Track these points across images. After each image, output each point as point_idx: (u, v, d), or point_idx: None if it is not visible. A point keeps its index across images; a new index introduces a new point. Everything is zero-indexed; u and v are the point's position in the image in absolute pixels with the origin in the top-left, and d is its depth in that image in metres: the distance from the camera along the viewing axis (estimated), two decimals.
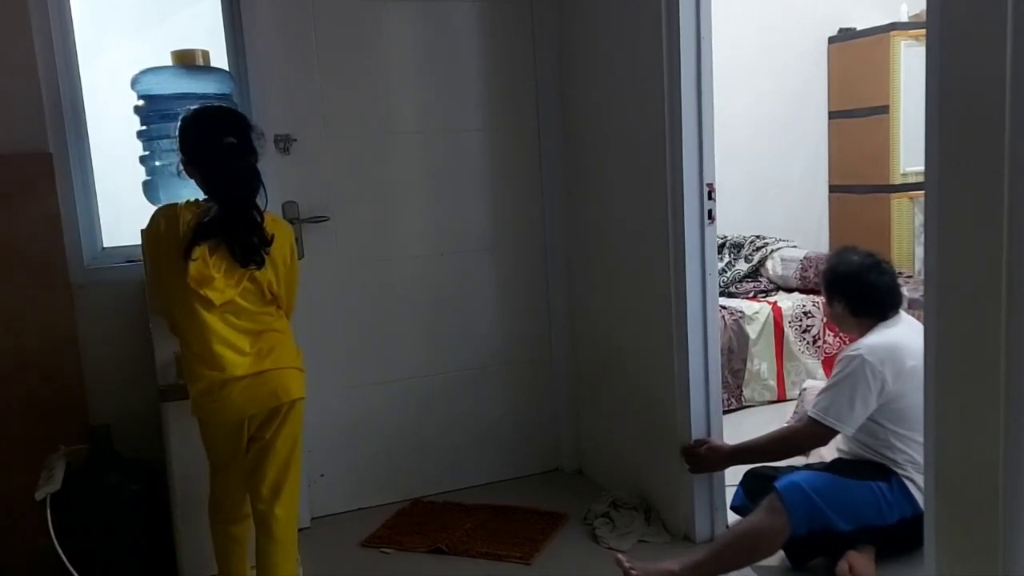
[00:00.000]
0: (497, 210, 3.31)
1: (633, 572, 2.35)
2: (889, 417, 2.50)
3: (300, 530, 2.97)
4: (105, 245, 2.84)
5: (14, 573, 2.61)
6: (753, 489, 2.80)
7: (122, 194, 2.78)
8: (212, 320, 2.06)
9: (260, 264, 2.10)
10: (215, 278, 2.03)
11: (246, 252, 2.07)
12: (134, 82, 2.54)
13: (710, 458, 2.70)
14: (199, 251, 2.02)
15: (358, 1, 3.02)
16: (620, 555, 2.44)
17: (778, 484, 2.42)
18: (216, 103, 2.58)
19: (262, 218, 2.13)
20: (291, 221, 2.95)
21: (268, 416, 2.15)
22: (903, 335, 2.55)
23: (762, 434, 2.71)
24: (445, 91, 3.20)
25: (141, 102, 2.55)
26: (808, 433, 2.57)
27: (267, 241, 2.11)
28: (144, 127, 2.57)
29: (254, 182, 2.12)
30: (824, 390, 2.57)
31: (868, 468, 2.52)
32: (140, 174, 2.62)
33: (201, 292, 2.02)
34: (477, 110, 3.25)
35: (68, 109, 2.69)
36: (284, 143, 2.96)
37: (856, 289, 2.62)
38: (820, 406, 2.53)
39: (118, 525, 2.55)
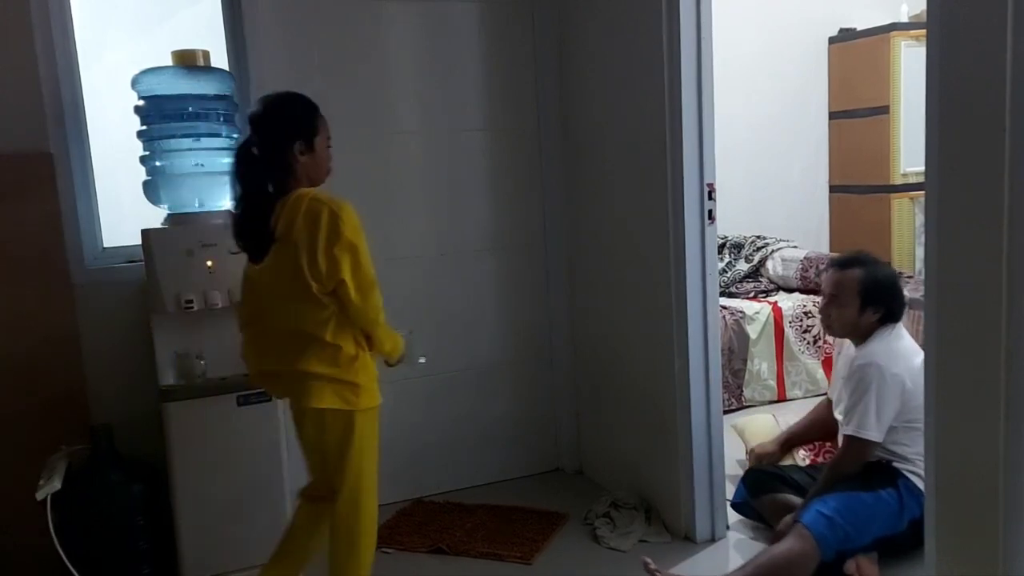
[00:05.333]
0: (497, 210, 3.31)
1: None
2: (901, 413, 2.50)
3: None
4: (105, 245, 2.84)
5: (14, 573, 2.61)
6: (754, 486, 2.81)
7: (122, 194, 2.79)
8: None
9: None
10: None
11: None
12: (135, 82, 2.54)
13: (784, 532, 2.57)
14: None
15: (358, 1, 3.02)
16: (647, 558, 2.44)
17: (803, 519, 2.40)
18: (218, 102, 2.59)
19: None
20: None
21: None
22: (904, 338, 2.58)
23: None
24: (445, 91, 3.20)
25: (142, 102, 2.55)
26: (852, 454, 2.53)
27: None
28: (145, 127, 2.57)
29: None
30: (851, 407, 2.53)
31: (874, 475, 2.51)
32: (140, 174, 2.62)
33: None
34: (477, 110, 3.25)
35: (68, 109, 2.69)
36: None
37: (895, 298, 2.59)
38: (853, 424, 2.51)
39: (119, 525, 2.55)
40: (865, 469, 2.54)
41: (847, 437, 2.54)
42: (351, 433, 2.18)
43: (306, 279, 2.05)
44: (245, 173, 2.13)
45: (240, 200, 2.15)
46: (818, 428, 2.97)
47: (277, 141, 2.12)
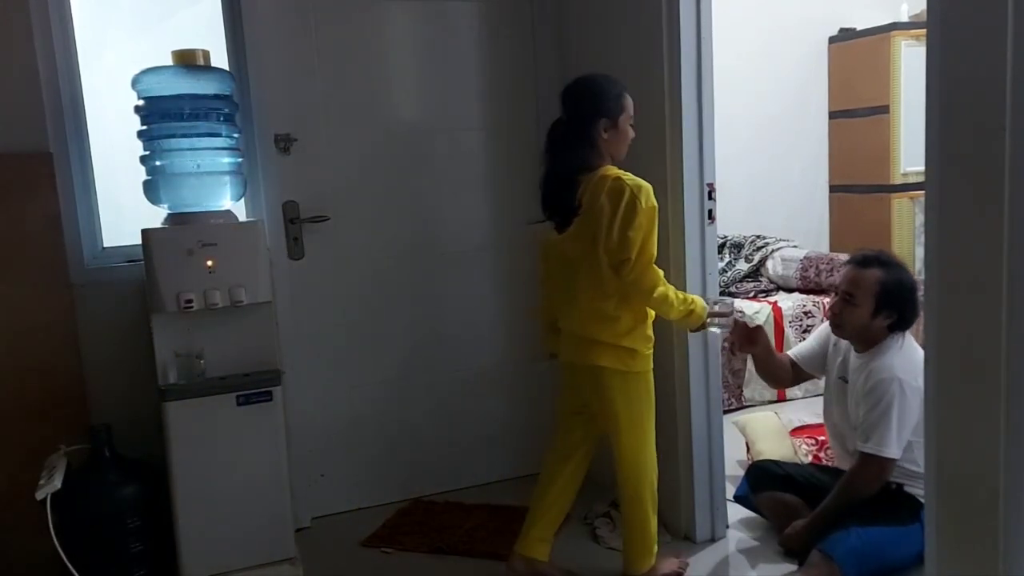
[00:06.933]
0: (497, 210, 3.31)
1: None
2: (919, 425, 2.42)
3: (300, 530, 3.00)
4: (105, 245, 2.83)
5: (14, 573, 2.61)
6: (757, 481, 2.80)
7: (122, 194, 2.78)
8: None
9: None
10: None
11: None
12: (135, 82, 2.53)
13: (791, 536, 2.62)
14: None
15: (358, 1, 3.02)
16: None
17: (834, 553, 2.37)
18: (218, 102, 2.59)
19: None
20: (291, 221, 2.96)
21: None
22: (919, 349, 2.53)
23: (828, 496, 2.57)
24: (445, 90, 3.20)
25: (142, 102, 2.55)
26: (872, 472, 2.47)
27: None
28: (144, 127, 2.57)
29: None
30: (873, 424, 2.46)
31: (899, 506, 2.46)
32: (140, 174, 2.62)
33: None
34: (477, 110, 3.25)
35: (68, 109, 2.68)
36: (284, 143, 2.96)
37: (910, 306, 2.51)
38: (872, 442, 2.44)
39: (118, 525, 2.55)
40: (888, 502, 2.48)
41: (865, 455, 2.46)
42: (625, 392, 2.34)
43: (599, 252, 2.24)
44: (555, 149, 2.30)
45: (549, 175, 2.33)
46: (775, 370, 2.81)
47: (584, 118, 2.28)
